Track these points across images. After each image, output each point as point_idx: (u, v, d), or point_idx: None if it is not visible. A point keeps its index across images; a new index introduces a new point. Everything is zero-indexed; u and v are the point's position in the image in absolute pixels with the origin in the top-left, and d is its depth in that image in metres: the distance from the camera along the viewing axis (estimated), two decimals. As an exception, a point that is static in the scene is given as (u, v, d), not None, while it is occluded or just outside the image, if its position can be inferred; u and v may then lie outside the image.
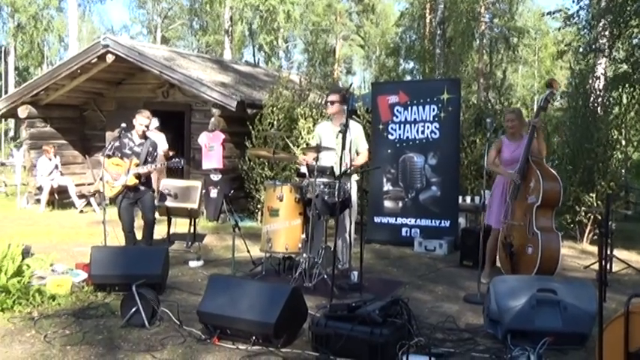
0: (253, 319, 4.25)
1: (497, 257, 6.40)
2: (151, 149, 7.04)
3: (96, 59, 11.13)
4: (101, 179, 6.96)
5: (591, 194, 8.83)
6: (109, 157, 6.90)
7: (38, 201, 11.70)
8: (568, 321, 4.23)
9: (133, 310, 4.62)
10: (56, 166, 11.74)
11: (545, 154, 6.24)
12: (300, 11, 29.07)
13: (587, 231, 8.99)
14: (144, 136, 7.05)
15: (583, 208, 8.83)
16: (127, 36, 39.96)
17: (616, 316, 3.51)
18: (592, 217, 8.84)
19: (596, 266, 6.87)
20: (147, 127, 7.02)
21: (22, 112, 11.99)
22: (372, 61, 40.95)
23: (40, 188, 11.70)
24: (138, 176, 6.86)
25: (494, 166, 6.33)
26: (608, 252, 6.97)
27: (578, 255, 8.25)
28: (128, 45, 11.27)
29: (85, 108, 12.89)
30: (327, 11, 34.32)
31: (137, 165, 6.85)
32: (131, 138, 6.99)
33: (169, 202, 7.97)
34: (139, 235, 7.18)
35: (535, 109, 6.33)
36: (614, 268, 7.10)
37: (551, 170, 6.17)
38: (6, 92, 25.36)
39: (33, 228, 9.40)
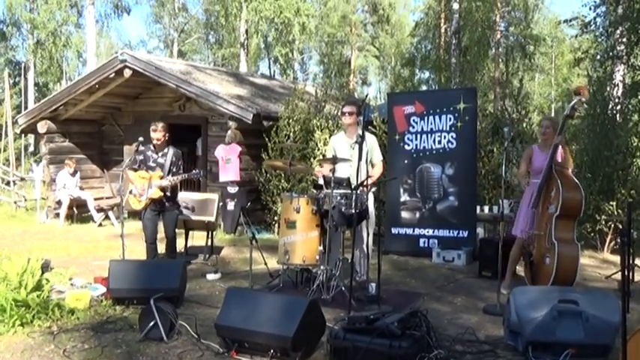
0: (271, 332, 4.23)
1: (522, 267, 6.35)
2: (174, 159, 7.05)
3: (114, 74, 11.24)
4: (131, 192, 6.98)
5: (611, 202, 8.73)
6: (135, 170, 6.96)
7: (57, 215, 11.80)
8: (590, 332, 4.16)
9: (152, 323, 4.63)
10: (78, 185, 11.92)
11: (571, 167, 6.19)
12: (315, 23, 29.22)
13: (608, 240, 8.87)
14: (165, 147, 7.07)
15: (603, 216, 8.73)
16: (144, 50, 40.40)
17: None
18: (613, 225, 8.73)
19: (618, 276, 6.78)
20: (160, 139, 6.98)
21: (42, 127, 12.14)
22: (387, 71, 40.91)
23: (59, 202, 11.81)
24: (162, 189, 6.89)
25: (522, 177, 6.31)
26: (631, 261, 6.86)
27: (599, 265, 8.14)
28: (145, 59, 11.37)
29: (103, 122, 13.02)
30: (341, 23, 34.42)
31: (160, 177, 6.89)
32: (154, 150, 7.04)
33: (187, 215, 7.99)
34: (161, 248, 7.21)
35: (560, 121, 6.18)
36: (637, 278, 6.98)
37: (574, 179, 6.05)
38: (26, 108, 25.69)
39: (52, 242, 9.47)
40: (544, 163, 6.05)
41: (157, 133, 6.97)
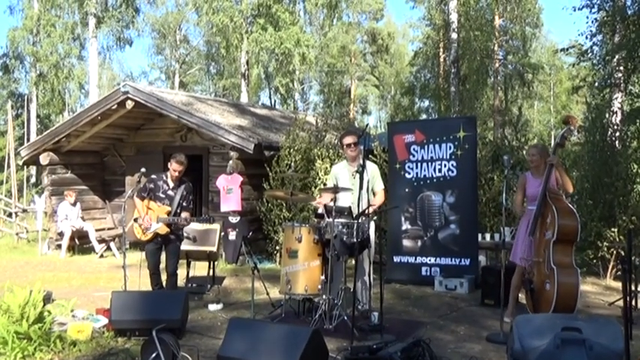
0: (274, 362, 4.21)
1: (524, 295, 6.34)
2: (185, 193, 6.95)
3: (116, 105, 11.33)
4: (135, 220, 6.90)
5: (613, 229, 8.73)
6: (142, 198, 6.88)
7: (59, 247, 11.80)
8: (594, 360, 4.14)
9: (154, 355, 4.60)
10: (80, 216, 11.97)
11: (571, 190, 6.20)
12: (315, 53, 29.47)
13: (610, 267, 8.86)
14: (179, 180, 7.00)
15: (605, 243, 8.72)
16: (146, 82, 40.76)
17: (643, 355, 3.44)
18: (615, 252, 8.71)
19: (621, 303, 6.75)
20: (180, 172, 6.90)
21: (44, 159, 12.20)
22: (387, 100, 41.26)
23: (61, 234, 11.82)
24: (168, 225, 6.86)
25: (520, 208, 6.34)
26: (633, 288, 6.84)
27: (602, 291, 8.12)
28: (147, 91, 11.49)
29: (105, 154, 13.09)
30: (341, 53, 34.77)
31: (167, 213, 6.82)
32: (166, 181, 6.95)
33: (188, 246, 7.98)
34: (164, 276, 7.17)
35: (552, 146, 6.32)
36: (640, 305, 6.97)
37: (569, 205, 6.10)
38: (28, 140, 25.85)
39: (54, 274, 9.46)
40: (538, 189, 6.09)
41: (182, 166, 6.84)
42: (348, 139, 6.64)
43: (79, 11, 27.55)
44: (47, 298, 6.28)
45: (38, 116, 32.68)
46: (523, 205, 6.37)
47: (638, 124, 12.34)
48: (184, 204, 6.94)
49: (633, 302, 6.82)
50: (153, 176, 6.93)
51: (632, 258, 6.92)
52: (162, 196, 6.90)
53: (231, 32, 25.16)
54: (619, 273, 8.70)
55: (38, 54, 28.63)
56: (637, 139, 10.11)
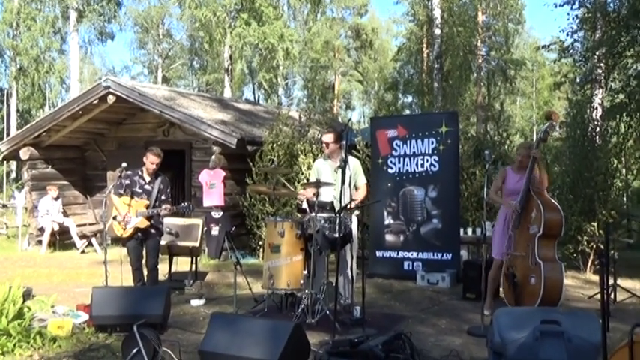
0: (256, 357, 4.22)
1: (502, 288, 6.39)
2: (162, 187, 6.95)
3: (97, 100, 11.24)
4: (115, 218, 6.88)
5: (592, 223, 8.83)
6: (120, 195, 6.86)
7: (40, 242, 11.69)
8: (572, 352, 4.19)
9: (135, 350, 4.58)
10: (61, 211, 11.87)
11: (546, 185, 6.27)
12: (299, 49, 29.41)
13: (590, 260, 8.96)
14: (155, 174, 6.98)
15: (585, 237, 8.82)
16: (128, 76, 40.35)
17: (620, 346, 3.49)
18: (594, 246, 8.81)
19: (599, 296, 6.83)
20: (157, 165, 6.89)
21: (24, 154, 12.07)
22: (370, 95, 41.28)
23: (41, 229, 11.71)
24: (148, 218, 6.84)
25: (497, 196, 6.39)
26: (611, 281, 6.93)
27: (581, 285, 8.21)
28: (129, 85, 11.40)
29: (86, 148, 12.98)
30: (325, 48, 34.71)
31: (146, 206, 6.82)
32: (142, 176, 6.93)
33: (170, 241, 7.94)
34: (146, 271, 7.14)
35: (535, 141, 6.38)
36: (618, 298, 7.05)
37: (552, 200, 6.17)
38: (8, 134, 25.52)
39: (34, 269, 9.38)
40: (518, 184, 6.15)
41: (159, 158, 6.84)
42: (324, 138, 6.75)
43: (60, 5, 27.23)
44: (27, 294, 6.23)
45: (18, 111, 32.26)
46: (497, 193, 6.41)
47: (617, 119, 12.48)
48: (163, 197, 6.94)
49: (611, 295, 6.91)
50: (128, 172, 6.88)
51: (611, 252, 7.01)
52: (140, 191, 6.88)
53: (214, 27, 25.03)
54: (598, 267, 8.80)
55: (18, 48, 28.27)
56: (617, 134, 10.22)
